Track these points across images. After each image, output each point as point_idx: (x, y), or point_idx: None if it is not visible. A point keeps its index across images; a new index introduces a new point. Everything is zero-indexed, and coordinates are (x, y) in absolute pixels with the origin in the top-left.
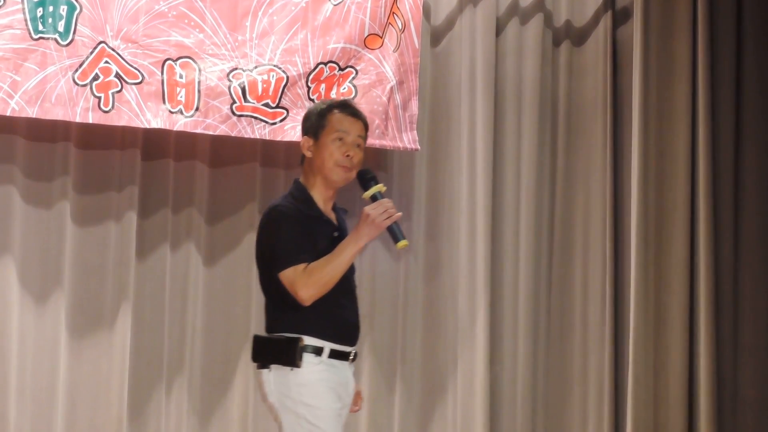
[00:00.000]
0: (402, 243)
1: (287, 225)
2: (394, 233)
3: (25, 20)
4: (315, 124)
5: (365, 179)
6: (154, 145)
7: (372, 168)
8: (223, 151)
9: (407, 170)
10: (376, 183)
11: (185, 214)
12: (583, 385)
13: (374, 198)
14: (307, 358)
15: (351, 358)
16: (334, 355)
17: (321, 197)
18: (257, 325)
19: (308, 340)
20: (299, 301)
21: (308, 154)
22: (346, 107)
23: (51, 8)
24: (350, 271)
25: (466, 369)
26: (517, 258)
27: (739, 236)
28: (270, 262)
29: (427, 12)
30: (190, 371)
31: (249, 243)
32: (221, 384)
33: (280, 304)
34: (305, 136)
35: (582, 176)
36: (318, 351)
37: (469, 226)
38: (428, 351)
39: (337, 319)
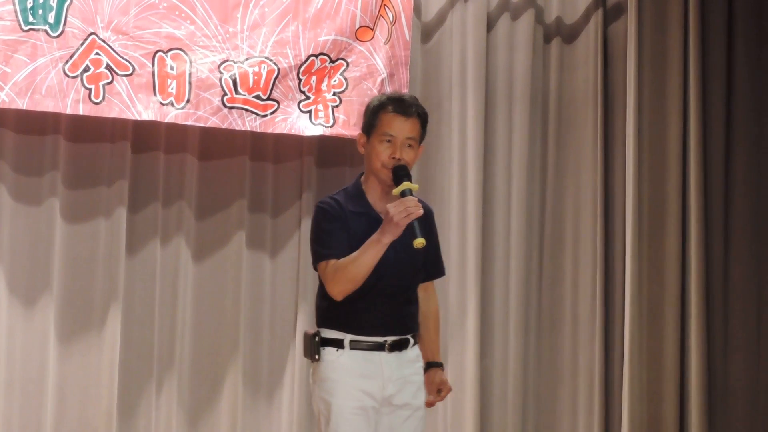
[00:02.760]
0: (417, 241)
1: (323, 221)
2: (412, 230)
3: (15, 11)
4: (367, 122)
5: (398, 176)
6: (145, 137)
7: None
8: (213, 144)
9: None
10: (409, 180)
11: (175, 208)
12: (573, 378)
13: (403, 195)
14: (327, 351)
15: (388, 347)
16: (359, 346)
17: (375, 193)
18: (247, 320)
19: (328, 333)
20: (332, 296)
21: (361, 150)
22: (400, 105)
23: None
24: (396, 263)
25: (456, 362)
26: (508, 252)
27: (729, 230)
28: (312, 256)
29: (417, 8)
30: (179, 365)
31: (238, 238)
32: (211, 378)
33: (317, 299)
34: (360, 132)
35: (572, 170)
36: (338, 343)
37: (460, 219)
38: None
39: (361, 310)
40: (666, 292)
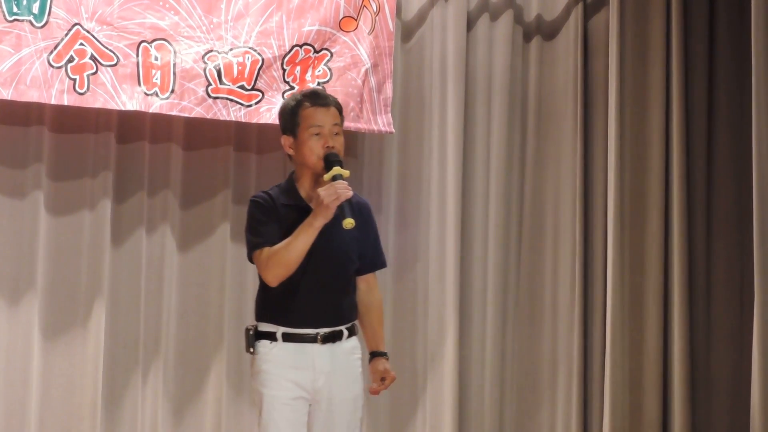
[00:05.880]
0: (346, 221)
1: (256, 213)
2: (342, 212)
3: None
4: (290, 122)
5: (329, 162)
6: (129, 128)
7: (347, 151)
8: (198, 135)
9: (377, 156)
10: (340, 166)
11: (160, 198)
12: (552, 368)
13: (334, 180)
14: (261, 344)
15: (321, 339)
16: (291, 338)
17: (307, 186)
18: (231, 309)
19: (263, 326)
20: (267, 283)
21: (291, 152)
22: (316, 98)
23: None
24: (327, 254)
25: (435, 353)
26: (486, 242)
27: (711, 220)
28: (246, 247)
29: (398, 8)
30: (165, 355)
31: (223, 228)
32: (196, 368)
33: (257, 294)
34: (284, 135)
35: (552, 162)
36: (271, 336)
37: (440, 211)
38: (397, 334)
39: (292, 302)
40: (648, 282)
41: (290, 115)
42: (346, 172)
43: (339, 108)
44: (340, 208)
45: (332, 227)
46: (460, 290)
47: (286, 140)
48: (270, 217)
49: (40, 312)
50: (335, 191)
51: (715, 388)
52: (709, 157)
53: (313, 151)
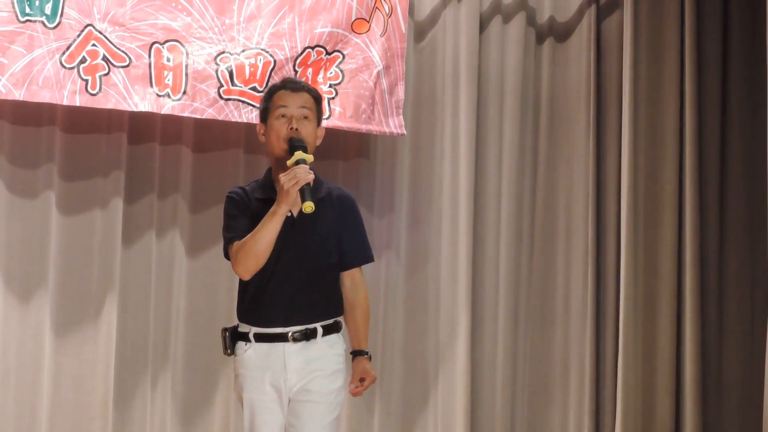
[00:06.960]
0: (305, 204)
1: (229, 208)
2: (302, 196)
3: (12, 2)
4: (262, 108)
5: (292, 147)
6: (140, 128)
7: (353, 155)
8: (208, 137)
9: (389, 157)
10: (304, 151)
11: (170, 200)
12: (564, 371)
13: (297, 165)
14: (238, 346)
15: (293, 338)
16: (263, 338)
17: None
18: None
19: (241, 327)
20: (239, 277)
21: (262, 139)
22: (287, 83)
23: None
24: (299, 249)
25: (446, 354)
26: (498, 244)
27: (724, 223)
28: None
29: (411, 8)
30: (174, 355)
31: None
32: (205, 368)
33: (237, 293)
34: (259, 123)
35: (565, 163)
36: (245, 337)
37: (452, 213)
38: (409, 334)
39: (263, 300)
40: (661, 285)
41: (264, 101)
42: (309, 157)
43: (314, 95)
44: (302, 192)
45: (305, 221)
46: (472, 290)
47: (259, 128)
48: (241, 211)
49: (51, 311)
50: (294, 175)
51: (727, 391)
52: (722, 159)
53: (278, 133)
